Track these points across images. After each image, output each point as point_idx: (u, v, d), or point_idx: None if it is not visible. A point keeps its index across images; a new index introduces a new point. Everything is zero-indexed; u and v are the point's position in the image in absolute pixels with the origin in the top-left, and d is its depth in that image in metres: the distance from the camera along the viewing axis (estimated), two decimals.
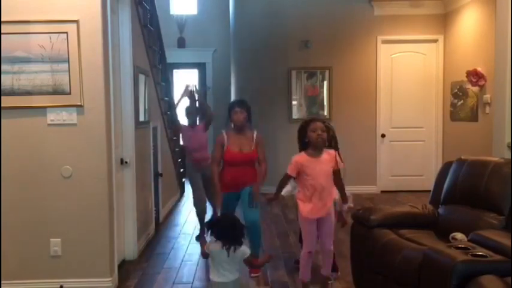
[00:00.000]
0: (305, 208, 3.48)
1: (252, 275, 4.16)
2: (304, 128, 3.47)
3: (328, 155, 3.47)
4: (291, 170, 3.48)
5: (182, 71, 10.36)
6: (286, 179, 3.58)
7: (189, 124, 5.35)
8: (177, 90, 9.59)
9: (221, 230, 2.96)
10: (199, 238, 5.17)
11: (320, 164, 3.43)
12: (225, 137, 4.22)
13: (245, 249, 3.01)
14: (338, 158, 3.51)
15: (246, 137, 4.25)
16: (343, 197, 3.62)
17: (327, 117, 7.74)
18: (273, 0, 7.92)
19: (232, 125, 4.27)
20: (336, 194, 3.59)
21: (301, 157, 3.47)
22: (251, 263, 3.86)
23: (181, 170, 7.92)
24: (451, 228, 3.20)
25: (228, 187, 4.24)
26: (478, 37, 6.58)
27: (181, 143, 5.90)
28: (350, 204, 3.72)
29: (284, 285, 3.91)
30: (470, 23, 6.85)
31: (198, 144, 5.22)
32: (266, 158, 4.29)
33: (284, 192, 3.82)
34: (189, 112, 5.35)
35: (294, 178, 3.58)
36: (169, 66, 8.12)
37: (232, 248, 2.90)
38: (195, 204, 5.32)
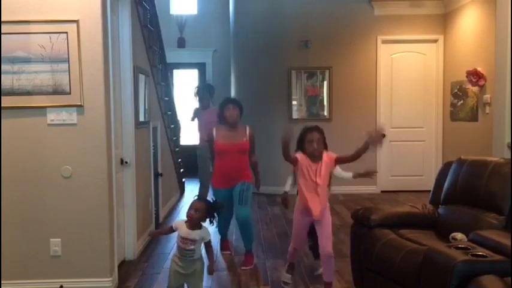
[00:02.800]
0: (300, 202, 3.57)
1: (243, 267, 4.30)
2: (302, 136, 3.52)
3: (327, 157, 3.50)
4: (293, 155, 3.52)
5: (182, 71, 10.37)
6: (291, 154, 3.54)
7: (201, 107, 5.92)
8: (177, 90, 9.64)
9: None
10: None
11: (317, 166, 3.47)
12: (214, 132, 4.38)
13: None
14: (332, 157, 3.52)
15: (238, 132, 4.34)
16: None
17: (327, 117, 7.75)
18: (273, 0, 7.92)
19: (224, 122, 4.36)
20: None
21: (301, 155, 3.53)
22: (245, 256, 4.39)
23: (181, 170, 7.92)
24: (451, 228, 3.20)
25: (220, 180, 4.35)
26: (478, 37, 6.58)
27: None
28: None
29: (283, 285, 3.90)
30: (470, 23, 6.85)
31: (206, 125, 5.46)
32: (255, 152, 4.50)
33: (287, 187, 3.85)
34: (200, 97, 5.93)
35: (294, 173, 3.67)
36: (169, 66, 8.12)
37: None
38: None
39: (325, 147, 3.57)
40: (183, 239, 3.11)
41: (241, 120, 4.43)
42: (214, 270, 3.34)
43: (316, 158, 3.49)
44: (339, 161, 3.52)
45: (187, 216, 3.15)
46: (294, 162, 3.53)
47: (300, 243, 3.75)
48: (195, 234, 3.11)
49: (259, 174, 4.62)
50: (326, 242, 3.53)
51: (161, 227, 5.79)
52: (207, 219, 3.22)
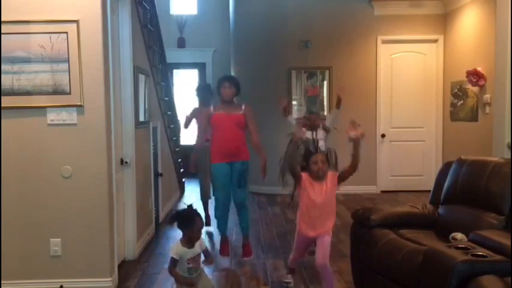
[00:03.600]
0: (301, 224, 3.54)
1: (244, 258, 4.48)
2: (307, 155, 3.49)
3: (330, 176, 3.47)
4: (299, 172, 3.47)
5: (182, 71, 10.38)
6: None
7: (203, 106, 5.51)
8: (177, 90, 9.62)
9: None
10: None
11: (322, 187, 3.44)
12: (212, 108, 4.49)
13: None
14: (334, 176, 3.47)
15: (232, 107, 4.44)
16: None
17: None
18: (273, 0, 7.92)
19: (221, 100, 4.45)
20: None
21: (305, 175, 3.49)
22: (243, 246, 4.47)
23: (181, 170, 7.92)
24: (451, 228, 3.20)
25: (218, 155, 4.36)
26: (478, 37, 6.58)
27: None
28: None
29: (284, 285, 3.90)
30: (470, 23, 6.85)
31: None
32: (257, 129, 4.48)
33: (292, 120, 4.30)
34: (201, 97, 5.69)
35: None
36: (169, 66, 8.12)
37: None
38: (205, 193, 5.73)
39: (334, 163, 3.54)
40: (191, 259, 2.91)
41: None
42: (212, 260, 3.20)
43: (320, 178, 3.46)
44: (342, 177, 3.47)
45: (189, 239, 2.90)
46: (299, 178, 3.50)
47: (300, 255, 3.82)
48: (197, 248, 2.95)
49: (262, 152, 4.45)
50: (322, 257, 3.45)
51: (161, 228, 5.79)
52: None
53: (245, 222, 4.62)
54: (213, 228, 5.54)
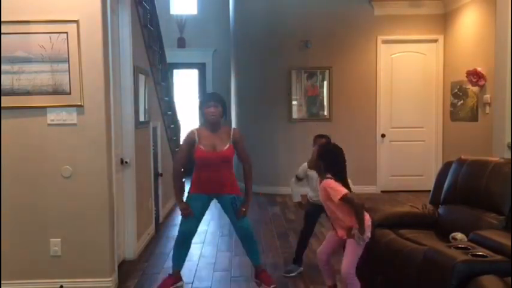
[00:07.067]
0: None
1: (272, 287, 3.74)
2: None
3: (325, 184, 3.16)
4: None
5: (182, 71, 10.38)
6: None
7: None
8: (177, 90, 9.60)
9: None
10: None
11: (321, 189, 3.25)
12: (196, 134, 3.69)
13: None
14: (331, 188, 3.10)
15: (220, 135, 3.69)
16: (360, 228, 3.09)
17: (327, 117, 7.76)
18: (273, 0, 7.92)
19: (205, 122, 3.75)
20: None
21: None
22: (260, 276, 3.69)
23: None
24: (451, 228, 3.20)
25: (198, 187, 3.72)
26: (478, 37, 6.58)
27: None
28: (367, 234, 3.13)
29: (284, 285, 3.90)
30: (470, 23, 6.85)
31: None
32: (249, 156, 3.78)
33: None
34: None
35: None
36: (169, 66, 8.12)
37: None
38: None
39: (329, 168, 3.16)
40: None
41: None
42: None
43: (320, 175, 3.21)
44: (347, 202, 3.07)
45: None
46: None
47: (324, 249, 3.36)
48: None
49: (250, 189, 3.75)
50: (344, 262, 3.18)
51: (161, 228, 5.78)
52: None
53: (255, 253, 3.81)
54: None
